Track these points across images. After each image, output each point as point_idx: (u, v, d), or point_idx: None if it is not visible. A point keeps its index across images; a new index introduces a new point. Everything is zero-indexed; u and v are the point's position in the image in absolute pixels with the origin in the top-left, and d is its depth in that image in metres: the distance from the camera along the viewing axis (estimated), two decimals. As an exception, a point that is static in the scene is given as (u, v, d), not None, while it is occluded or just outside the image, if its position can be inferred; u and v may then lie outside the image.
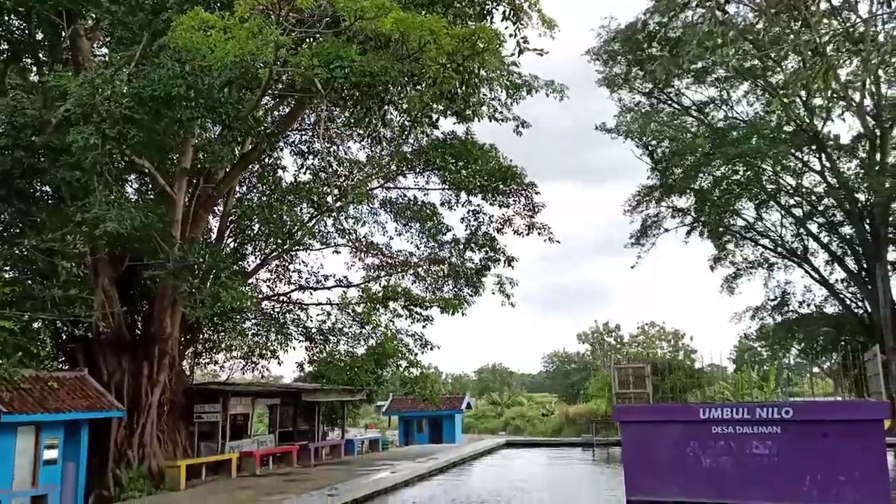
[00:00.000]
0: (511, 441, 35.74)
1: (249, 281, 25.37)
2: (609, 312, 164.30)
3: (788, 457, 13.81)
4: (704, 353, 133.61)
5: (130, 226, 14.84)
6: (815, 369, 39.12)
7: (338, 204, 25.68)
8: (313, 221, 25.61)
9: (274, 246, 24.71)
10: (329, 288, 27.05)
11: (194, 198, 20.51)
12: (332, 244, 27.61)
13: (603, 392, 44.74)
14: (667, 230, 41.54)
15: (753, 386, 36.34)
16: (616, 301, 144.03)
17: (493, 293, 26.86)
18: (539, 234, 25.68)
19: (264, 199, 25.21)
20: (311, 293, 27.21)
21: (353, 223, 27.83)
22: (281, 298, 26.86)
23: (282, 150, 25.86)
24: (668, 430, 15.02)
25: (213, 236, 24.28)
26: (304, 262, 27.00)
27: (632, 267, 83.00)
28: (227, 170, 20.95)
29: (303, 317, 27.34)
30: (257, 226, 24.56)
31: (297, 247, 24.93)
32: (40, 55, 20.44)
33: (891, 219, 35.22)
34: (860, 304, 37.81)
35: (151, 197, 20.96)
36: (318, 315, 27.20)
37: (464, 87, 16.14)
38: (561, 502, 15.55)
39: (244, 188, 26.51)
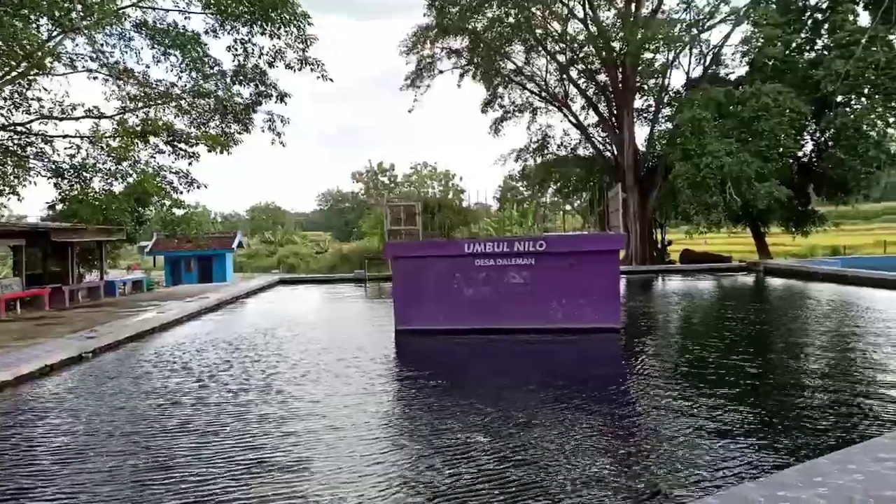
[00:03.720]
0: (284, 279, 35.82)
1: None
2: (383, 153, 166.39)
3: (540, 285, 15.20)
4: (472, 193, 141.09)
5: None
6: (568, 207, 42.76)
7: (84, 22, 22.64)
8: (55, 41, 22.47)
9: (7, 68, 21.45)
10: (77, 119, 24.33)
11: None
12: (81, 69, 24.61)
13: (376, 230, 45.96)
14: (441, 72, 42.05)
15: (514, 223, 39.08)
16: (391, 142, 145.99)
17: (263, 131, 25.86)
18: (312, 69, 24.72)
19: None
20: (55, 124, 24.34)
21: (103, 46, 24.93)
22: (18, 129, 23.74)
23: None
24: (436, 264, 15.80)
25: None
26: (45, 88, 23.85)
27: (409, 111, 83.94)
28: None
29: (48, 150, 24.53)
30: (-17, 43, 21.07)
31: (35, 70, 21.84)
32: None
33: (639, 68, 38.18)
34: (609, 147, 41.38)
35: None
36: (66, 149, 24.57)
37: None
38: (332, 336, 16.00)
39: (-37, -3, 22.44)
